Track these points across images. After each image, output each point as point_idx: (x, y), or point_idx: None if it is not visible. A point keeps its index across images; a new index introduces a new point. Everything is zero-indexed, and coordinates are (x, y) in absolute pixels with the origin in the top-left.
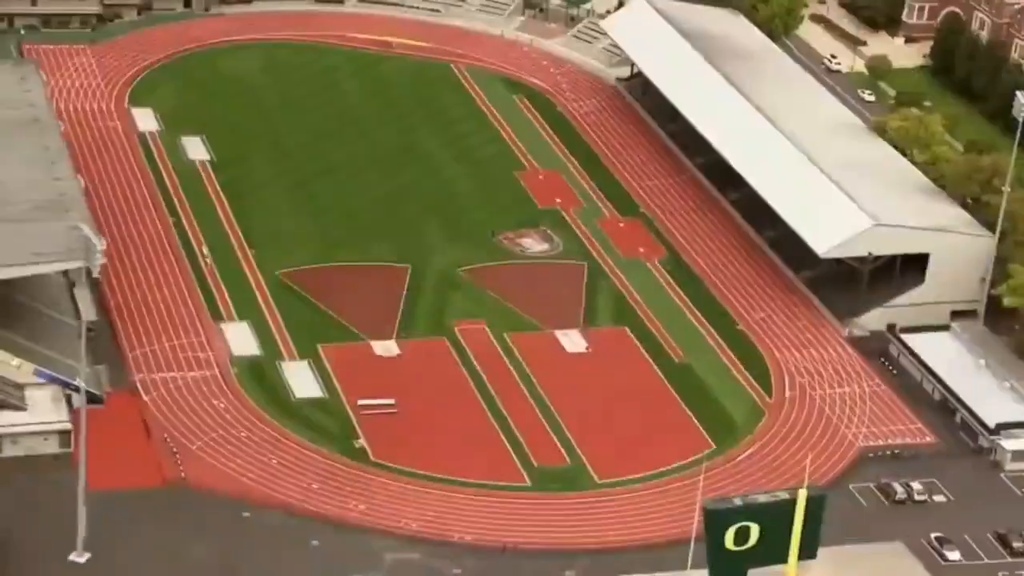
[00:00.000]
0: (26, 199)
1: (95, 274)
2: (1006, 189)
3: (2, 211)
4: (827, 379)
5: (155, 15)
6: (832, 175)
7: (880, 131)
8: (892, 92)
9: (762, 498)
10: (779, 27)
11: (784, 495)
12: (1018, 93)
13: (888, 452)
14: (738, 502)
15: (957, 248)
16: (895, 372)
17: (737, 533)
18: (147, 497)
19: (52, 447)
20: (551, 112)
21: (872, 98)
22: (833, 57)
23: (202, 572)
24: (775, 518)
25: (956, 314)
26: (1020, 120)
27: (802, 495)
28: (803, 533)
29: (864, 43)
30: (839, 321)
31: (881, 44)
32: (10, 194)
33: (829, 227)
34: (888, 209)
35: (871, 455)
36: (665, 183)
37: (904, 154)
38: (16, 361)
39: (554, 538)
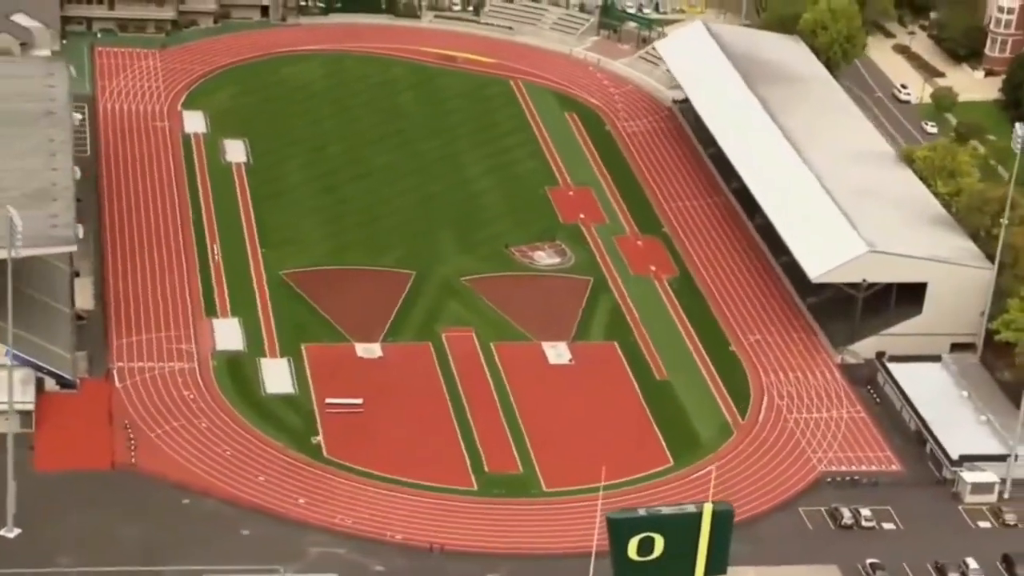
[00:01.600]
0: (14, 187)
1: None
2: (1004, 222)
3: None
4: (807, 404)
5: (231, 23)
6: (840, 201)
7: (908, 161)
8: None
9: (666, 510)
10: (838, 54)
11: (691, 508)
12: (1017, 125)
13: (848, 478)
14: (642, 512)
15: (956, 279)
16: (878, 400)
17: (641, 544)
18: (93, 479)
19: (14, 427)
20: (599, 130)
21: (935, 130)
22: (903, 87)
23: (124, 552)
24: (680, 531)
25: (956, 346)
26: (1018, 152)
27: (707, 509)
28: (710, 548)
29: (942, 74)
30: (834, 348)
31: (961, 76)
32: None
33: (825, 252)
34: (888, 237)
35: (829, 480)
36: (696, 204)
37: (928, 184)
38: None
39: (483, 542)
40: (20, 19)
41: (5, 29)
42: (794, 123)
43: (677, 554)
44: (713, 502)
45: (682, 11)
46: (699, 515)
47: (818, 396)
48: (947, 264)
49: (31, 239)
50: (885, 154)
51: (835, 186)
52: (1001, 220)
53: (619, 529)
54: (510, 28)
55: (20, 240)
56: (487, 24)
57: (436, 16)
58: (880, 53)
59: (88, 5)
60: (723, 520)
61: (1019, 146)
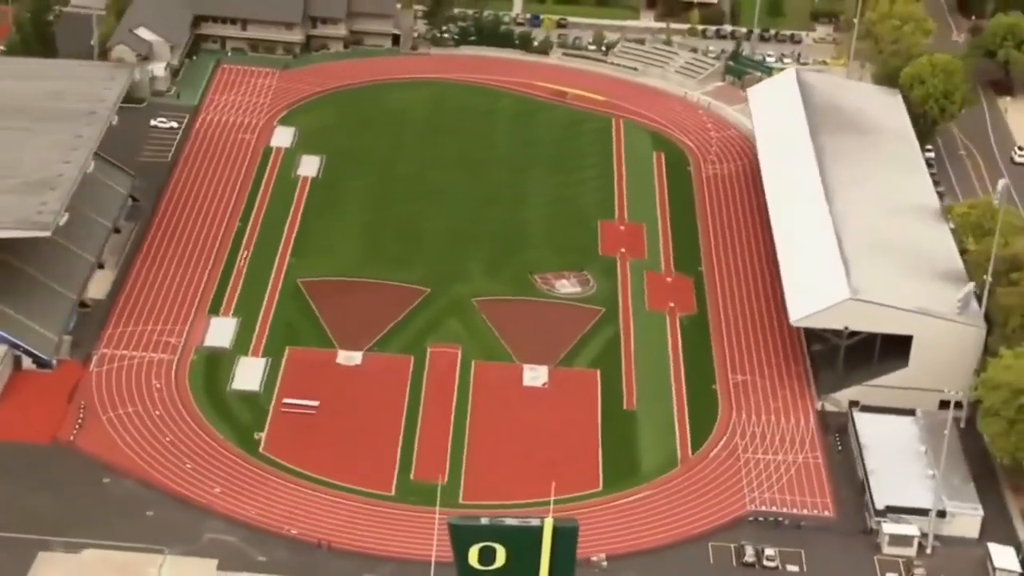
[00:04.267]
0: (22, 175)
1: None
2: (987, 278)
3: None
4: (766, 445)
5: (360, 50)
6: (847, 249)
7: (949, 218)
8: None
9: (510, 521)
10: (934, 109)
11: (535, 521)
12: (1001, 181)
13: (772, 519)
14: (484, 521)
15: (943, 335)
16: (839, 449)
17: (482, 552)
18: (26, 451)
19: None
20: (680, 170)
21: None
22: (1020, 149)
23: (23, 520)
24: (522, 543)
25: (945, 404)
26: (1000, 209)
27: (548, 524)
28: (553, 563)
29: None
30: (819, 395)
31: None
32: (12, 169)
33: (811, 296)
34: (879, 287)
35: (752, 519)
36: (741, 247)
37: (961, 242)
38: None
39: (371, 543)
40: (142, 32)
41: (125, 41)
42: (841, 172)
43: (520, 566)
44: (556, 518)
45: (824, 63)
46: (540, 529)
47: (782, 439)
48: (933, 318)
49: (12, 222)
50: (927, 209)
51: (851, 234)
52: (984, 278)
53: (460, 535)
54: (635, 69)
55: None
56: (613, 64)
57: (565, 53)
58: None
59: (222, 25)
60: (566, 536)
61: (997, 201)
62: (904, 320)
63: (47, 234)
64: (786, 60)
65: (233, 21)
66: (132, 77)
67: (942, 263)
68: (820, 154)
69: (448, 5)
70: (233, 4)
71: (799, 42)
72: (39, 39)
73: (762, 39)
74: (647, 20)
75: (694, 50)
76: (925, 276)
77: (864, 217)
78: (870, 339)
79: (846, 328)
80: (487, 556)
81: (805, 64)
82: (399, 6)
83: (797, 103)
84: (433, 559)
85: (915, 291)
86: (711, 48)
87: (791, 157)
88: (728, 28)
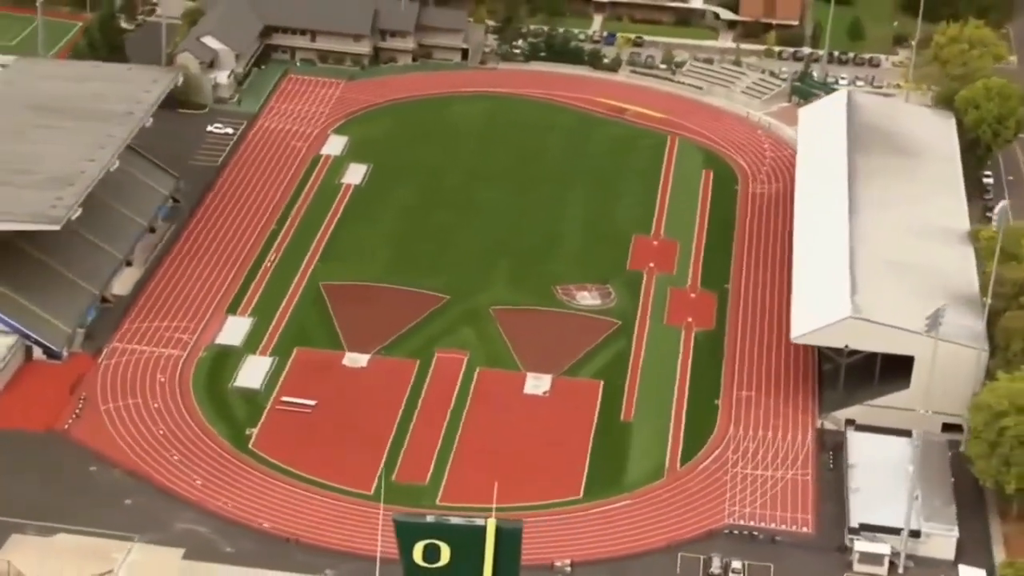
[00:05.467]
0: (47, 170)
1: None
2: (986, 300)
3: (18, 177)
4: (758, 461)
5: (429, 63)
6: (858, 268)
7: (976, 241)
8: None
9: (454, 520)
10: (987, 133)
11: (479, 521)
12: (1001, 203)
13: (747, 532)
14: (430, 519)
15: (945, 357)
16: (831, 467)
17: (426, 549)
18: (19, 437)
19: None
20: (727, 189)
21: None
22: None
23: (8, 504)
24: (466, 542)
25: (948, 427)
26: (999, 231)
27: (491, 524)
28: (497, 564)
29: None
30: (821, 413)
31: None
32: (38, 164)
33: (813, 314)
34: (883, 307)
35: (727, 531)
36: (771, 262)
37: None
38: None
39: (337, 539)
40: (208, 41)
41: (191, 48)
42: (871, 192)
43: (463, 565)
44: (499, 519)
45: (898, 86)
46: (483, 529)
47: (775, 455)
48: (933, 339)
49: (25, 215)
50: (955, 232)
51: (866, 254)
52: (984, 299)
53: (404, 532)
54: (700, 88)
55: None
56: (679, 82)
57: (632, 71)
58: None
59: (292, 36)
60: (509, 537)
61: (995, 223)
62: (905, 341)
63: (56, 228)
64: (859, 83)
65: (303, 32)
66: (175, 82)
67: (956, 286)
68: (853, 174)
69: (519, 20)
70: (303, 15)
71: (877, 66)
72: (108, 46)
73: (840, 62)
74: (725, 41)
75: (762, 71)
76: (936, 298)
77: (884, 237)
78: (886, 359)
79: (846, 347)
80: (431, 554)
81: (879, 87)
82: (470, 20)
83: (841, 123)
84: (378, 554)
85: (921, 312)
86: (783, 69)
87: (824, 175)
88: (806, 50)
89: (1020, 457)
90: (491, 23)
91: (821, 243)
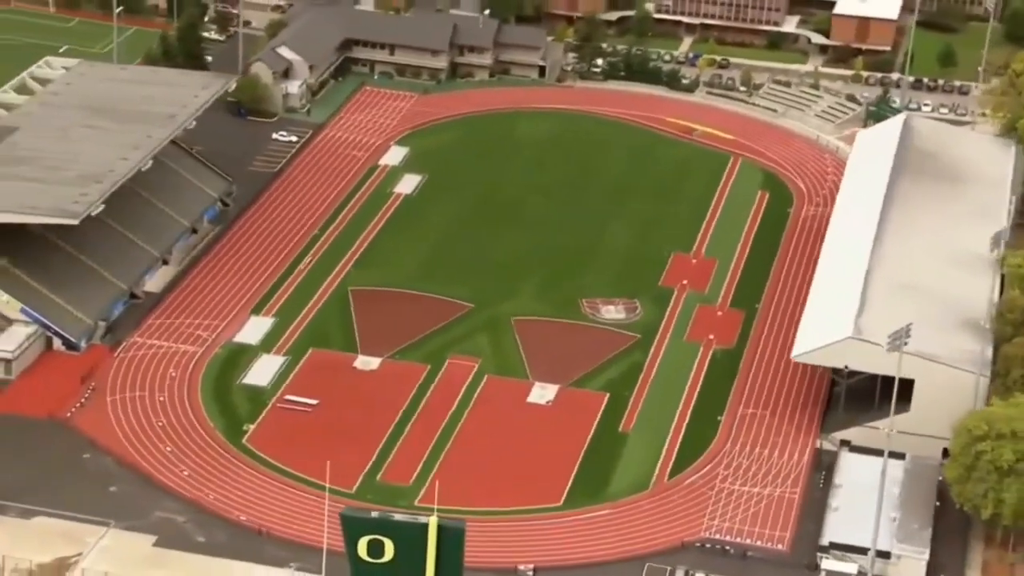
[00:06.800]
0: (78, 168)
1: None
2: (986, 326)
3: (51, 173)
4: (748, 477)
5: (506, 79)
6: (871, 290)
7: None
8: None
9: (398, 516)
10: None
11: (422, 519)
12: (997, 229)
13: (720, 547)
14: (374, 515)
15: (946, 381)
16: (821, 486)
17: (371, 545)
18: (19, 423)
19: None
20: (779, 211)
21: None
22: None
23: (3, 486)
24: (409, 539)
25: (948, 452)
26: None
27: (432, 522)
28: (439, 562)
29: None
30: (821, 433)
31: None
32: (70, 162)
33: (816, 333)
34: (888, 329)
35: (699, 545)
36: (804, 283)
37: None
38: (5, 297)
39: (305, 533)
40: (283, 51)
41: (265, 58)
42: (904, 217)
43: (407, 562)
44: (441, 518)
45: (983, 115)
46: (425, 527)
47: (767, 473)
48: (934, 363)
49: (47, 209)
50: (983, 260)
51: (881, 277)
52: (983, 324)
53: (349, 527)
54: (775, 111)
55: None
56: (754, 104)
57: (708, 92)
58: None
59: (372, 49)
60: (452, 536)
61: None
62: (904, 363)
63: (75, 222)
64: (943, 110)
65: (382, 46)
66: (227, 87)
67: (968, 311)
68: (890, 197)
69: (599, 39)
70: (382, 29)
71: (966, 93)
72: (185, 54)
73: (928, 88)
74: (813, 64)
75: (841, 95)
76: (946, 323)
77: (906, 261)
78: (885, 381)
79: (846, 367)
80: (375, 549)
81: (962, 115)
82: (550, 39)
83: (891, 147)
84: (324, 546)
85: (927, 337)
86: (864, 95)
87: (862, 198)
88: (894, 76)
89: (995, 482)
90: (572, 41)
91: (841, 264)
